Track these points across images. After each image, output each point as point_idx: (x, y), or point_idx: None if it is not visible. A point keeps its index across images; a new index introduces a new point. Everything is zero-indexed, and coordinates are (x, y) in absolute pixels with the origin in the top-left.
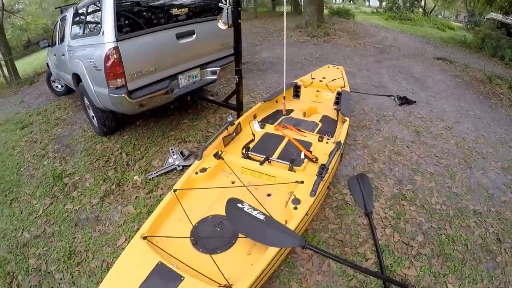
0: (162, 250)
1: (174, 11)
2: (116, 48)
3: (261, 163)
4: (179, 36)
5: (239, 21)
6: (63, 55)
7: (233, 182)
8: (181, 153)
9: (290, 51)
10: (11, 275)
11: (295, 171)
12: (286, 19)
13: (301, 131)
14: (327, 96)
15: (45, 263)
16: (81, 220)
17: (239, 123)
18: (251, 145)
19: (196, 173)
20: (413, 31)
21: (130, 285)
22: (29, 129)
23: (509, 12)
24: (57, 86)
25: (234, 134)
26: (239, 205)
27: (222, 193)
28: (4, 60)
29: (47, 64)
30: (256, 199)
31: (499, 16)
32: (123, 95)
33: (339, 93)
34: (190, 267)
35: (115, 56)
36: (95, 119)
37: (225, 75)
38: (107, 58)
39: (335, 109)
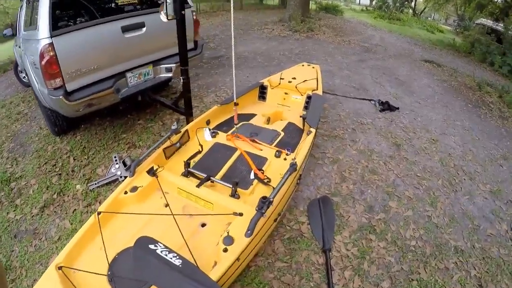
0: (73, 286)
1: (120, 1)
2: (50, 44)
3: (199, 184)
4: (126, 30)
5: (183, 12)
6: (19, 47)
7: (166, 205)
8: (123, 162)
9: (269, 46)
10: None
11: (238, 197)
12: (271, 12)
13: (257, 142)
14: (296, 100)
15: None
16: (20, 232)
17: (187, 130)
18: (196, 159)
19: (126, 192)
20: (402, 31)
21: None
22: None
23: (499, 19)
24: (24, 77)
25: (179, 144)
26: (151, 247)
27: (151, 219)
28: None
29: (14, 53)
30: (181, 233)
31: (489, 22)
32: (60, 97)
33: (309, 97)
34: None
35: (51, 54)
36: (45, 118)
37: (179, 73)
38: (41, 56)
39: (300, 116)
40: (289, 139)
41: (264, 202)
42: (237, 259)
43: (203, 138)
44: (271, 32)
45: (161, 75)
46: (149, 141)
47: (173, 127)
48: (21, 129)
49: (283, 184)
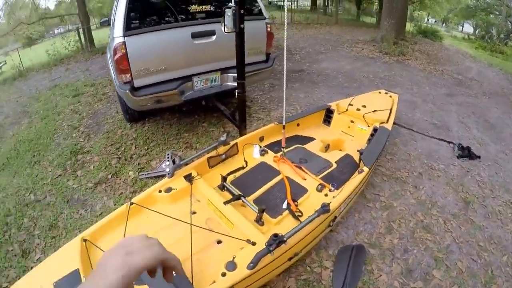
0: (89, 261)
1: (193, 8)
2: (123, 43)
3: (228, 201)
4: (195, 36)
5: (242, 26)
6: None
7: (193, 213)
8: (173, 161)
9: (355, 66)
10: (8, 226)
11: (262, 224)
12: (365, 30)
13: (303, 170)
14: (361, 130)
15: (34, 226)
16: (72, 199)
17: (236, 144)
18: (237, 174)
19: (160, 191)
20: (503, 66)
21: (46, 283)
22: (79, 98)
23: None
24: None
25: (224, 156)
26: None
27: (174, 222)
28: (82, 28)
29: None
30: (191, 244)
31: None
32: (127, 91)
33: (375, 129)
34: None
35: (122, 52)
36: (120, 105)
37: (250, 83)
38: (114, 52)
39: (358, 150)
40: (339, 173)
41: (275, 240)
42: (231, 287)
43: (251, 154)
44: (360, 51)
45: (228, 83)
46: (206, 145)
47: (221, 138)
48: (102, 109)
49: (304, 225)
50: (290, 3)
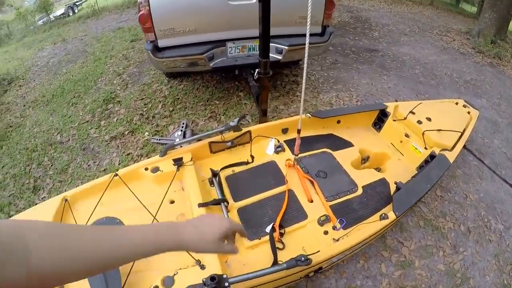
0: (61, 217)
1: None
2: (146, 0)
3: (203, 204)
4: None
5: None
6: None
7: (172, 202)
8: (184, 133)
9: (439, 58)
10: (31, 161)
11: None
12: (461, 19)
13: (314, 187)
14: (415, 151)
15: (50, 166)
16: (88, 148)
17: (249, 132)
18: (237, 169)
19: (146, 169)
20: None
21: None
22: (134, 44)
23: None
24: None
25: (230, 143)
26: None
27: (142, 208)
28: None
29: None
30: None
31: None
32: (148, 51)
33: (432, 156)
34: None
35: (146, 9)
36: None
37: (295, 57)
38: (138, 9)
39: (395, 183)
40: (360, 206)
41: (212, 281)
42: None
43: (264, 148)
44: (450, 42)
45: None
46: (231, 118)
47: (231, 123)
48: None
49: (255, 277)
50: None
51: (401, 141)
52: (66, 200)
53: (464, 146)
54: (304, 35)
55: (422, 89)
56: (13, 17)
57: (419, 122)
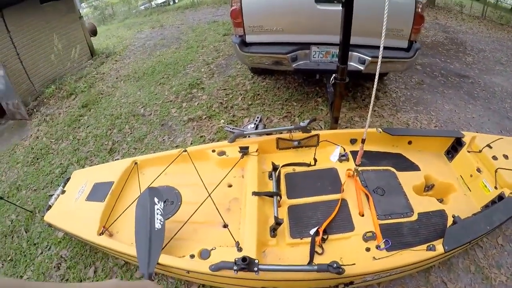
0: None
1: None
2: None
3: (257, 193)
4: (319, 0)
5: None
6: None
7: (230, 186)
8: (257, 126)
9: None
10: (113, 126)
11: (274, 236)
12: None
13: (368, 202)
14: (484, 188)
15: (129, 133)
16: (165, 124)
17: (318, 136)
18: (297, 169)
19: (214, 151)
20: None
21: (91, 180)
22: (226, 38)
23: None
24: None
25: (297, 143)
26: (155, 200)
27: (201, 185)
28: None
29: None
30: (190, 215)
31: None
32: (236, 44)
33: (500, 198)
34: None
35: (238, 5)
36: None
37: (380, 71)
38: (231, 5)
39: (453, 216)
40: (410, 232)
41: (243, 262)
42: (187, 271)
43: (329, 154)
44: None
45: (351, 63)
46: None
47: (302, 123)
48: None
49: (287, 270)
50: None
51: (471, 175)
52: (136, 163)
53: None
54: (391, 48)
55: (508, 125)
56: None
57: (495, 158)
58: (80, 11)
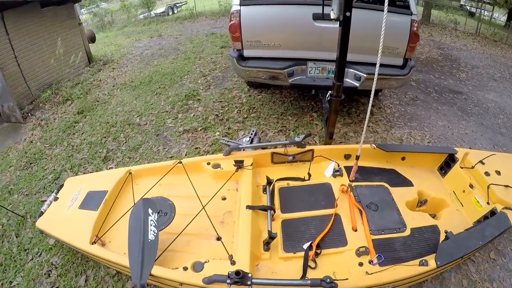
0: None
1: None
2: (238, 12)
3: (251, 207)
4: (317, 18)
5: (348, 14)
6: None
7: (224, 199)
8: (252, 140)
9: None
10: (108, 134)
11: (267, 250)
12: None
13: (361, 217)
14: (476, 204)
15: (124, 142)
16: (161, 134)
17: (312, 151)
18: (292, 183)
19: (208, 163)
20: None
21: (85, 188)
22: (223, 50)
23: None
24: None
25: (291, 158)
26: (149, 211)
27: (195, 197)
28: None
29: None
30: (184, 227)
31: None
32: (233, 58)
33: (492, 213)
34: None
35: (237, 19)
36: None
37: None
38: (230, 19)
39: (445, 232)
40: (403, 247)
41: (236, 276)
42: (180, 283)
43: (323, 169)
44: None
45: (346, 80)
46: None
47: (296, 138)
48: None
49: (280, 285)
50: (481, 11)
51: (463, 191)
52: (130, 173)
53: None
54: (386, 65)
55: (501, 141)
56: (118, 7)
57: (487, 173)
58: (80, 17)
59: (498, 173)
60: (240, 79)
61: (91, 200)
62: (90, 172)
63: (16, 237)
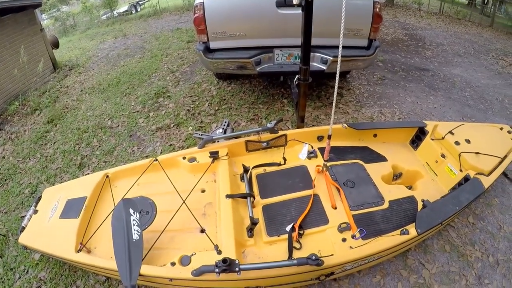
0: (100, 192)
1: None
2: (202, 4)
3: (230, 195)
4: (280, 5)
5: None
6: None
7: (203, 191)
8: (225, 130)
9: (492, 82)
10: (81, 141)
11: (251, 236)
12: None
13: (340, 195)
14: (450, 172)
15: (98, 147)
16: (134, 135)
17: (285, 136)
18: (268, 169)
19: (184, 158)
20: None
21: (64, 197)
22: (190, 45)
23: None
24: None
25: (265, 144)
26: (130, 211)
27: (174, 192)
28: None
29: None
30: (168, 221)
31: None
32: (200, 51)
33: (466, 179)
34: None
35: (201, 12)
36: None
37: (343, 70)
38: (193, 12)
39: (422, 201)
40: (383, 220)
41: (224, 264)
42: (170, 279)
43: (297, 152)
44: (506, 67)
45: (313, 64)
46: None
47: (268, 125)
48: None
49: (269, 267)
50: None
51: (436, 161)
52: (107, 176)
53: (505, 175)
54: (351, 47)
55: (469, 112)
56: (79, 10)
57: (457, 143)
58: (41, 23)
59: (468, 141)
60: (209, 72)
61: (71, 208)
62: (67, 181)
63: (1, 257)
